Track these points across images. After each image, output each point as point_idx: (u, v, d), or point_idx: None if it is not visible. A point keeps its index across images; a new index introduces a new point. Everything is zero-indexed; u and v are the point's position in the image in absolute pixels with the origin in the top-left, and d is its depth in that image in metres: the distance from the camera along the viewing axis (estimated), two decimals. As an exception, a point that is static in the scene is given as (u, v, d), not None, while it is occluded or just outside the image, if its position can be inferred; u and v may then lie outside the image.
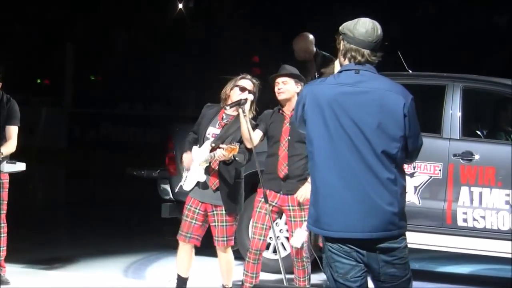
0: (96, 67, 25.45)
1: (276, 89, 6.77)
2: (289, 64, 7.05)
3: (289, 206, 6.71)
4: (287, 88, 6.73)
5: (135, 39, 24.55)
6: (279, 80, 6.75)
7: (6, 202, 7.44)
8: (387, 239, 4.23)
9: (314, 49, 10.10)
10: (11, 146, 7.37)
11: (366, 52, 4.34)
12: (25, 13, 23.49)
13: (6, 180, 7.42)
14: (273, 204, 6.69)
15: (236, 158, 6.58)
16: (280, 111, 6.82)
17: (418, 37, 17.80)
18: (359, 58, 4.33)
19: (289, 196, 6.69)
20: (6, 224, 7.47)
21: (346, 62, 4.38)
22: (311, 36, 10.13)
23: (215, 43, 22.14)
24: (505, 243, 7.61)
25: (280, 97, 6.76)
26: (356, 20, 4.42)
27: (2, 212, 7.42)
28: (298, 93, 6.68)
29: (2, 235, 7.44)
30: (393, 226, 4.24)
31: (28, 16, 23.62)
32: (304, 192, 6.53)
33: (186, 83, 22.54)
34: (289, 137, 6.70)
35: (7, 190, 7.44)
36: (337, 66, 4.57)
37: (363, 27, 4.36)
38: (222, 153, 6.47)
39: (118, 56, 24.65)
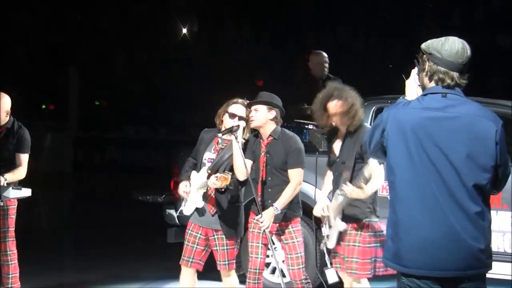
0: (100, 90, 25.47)
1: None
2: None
3: (278, 231, 6.75)
4: (257, 115, 6.70)
5: (139, 63, 24.60)
6: (252, 108, 6.73)
7: (13, 229, 7.46)
8: (472, 278, 3.98)
9: (327, 67, 10.18)
10: (19, 173, 7.41)
11: (456, 74, 4.03)
12: (28, 37, 23.52)
13: (12, 207, 7.43)
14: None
15: (230, 187, 6.58)
16: (259, 138, 6.82)
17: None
18: (448, 81, 4.03)
19: (277, 224, 6.69)
20: (14, 252, 7.46)
21: (432, 84, 4.07)
22: (325, 54, 10.21)
23: (220, 67, 22.17)
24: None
25: (251, 125, 6.74)
26: (443, 39, 4.09)
27: (8, 239, 7.43)
28: (271, 119, 6.71)
29: (10, 263, 7.44)
30: (480, 263, 3.98)
31: (30, 39, 23.66)
32: (266, 217, 6.50)
33: (191, 106, 22.56)
34: (267, 166, 6.70)
35: (13, 216, 7.46)
36: (411, 87, 4.26)
37: (453, 48, 4.03)
38: (214, 182, 6.49)
39: (122, 80, 24.68)
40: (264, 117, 6.70)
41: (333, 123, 6.47)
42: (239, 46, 22.48)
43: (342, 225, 6.25)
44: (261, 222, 6.50)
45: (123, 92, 24.56)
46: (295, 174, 6.61)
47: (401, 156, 3.97)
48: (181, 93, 22.68)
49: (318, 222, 6.84)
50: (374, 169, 6.06)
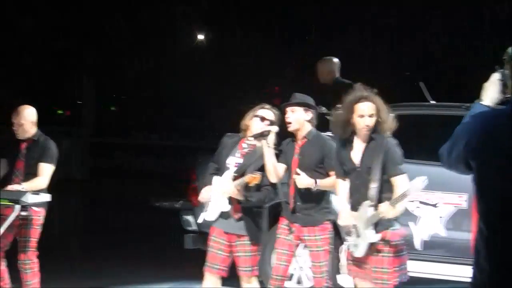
0: (112, 97, 25.56)
1: (285, 118, 6.75)
2: (307, 92, 7.02)
3: (305, 236, 6.70)
4: (295, 117, 6.71)
5: (151, 70, 24.67)
6: (288, 109, 6.73)
7: (35, 239, 7.42)
8: None
9: (337, 74, 10.09)
10: (37, 182, 7.38)
11: None
12: (39, 43, 23.62)
13: (37, 217, 7.40)
14: (293, 232, 6.68)
15: (250, 199, 6.58)
16: (293, 141, 6.81)
17: (439, 67, 17.81)
18: None
19: (305, 227, 6.67)
20: (34, 261, 7.42)
21: None
22: (336, 60, 10.13)
23: (231, 73, 22.21)
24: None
25: (288, 127, 6.74)
26: None
27: (29, 249, 7.39)
28: (308, 121, 6.70)
29: (29, 271, 7.40)
30: None
31: (42, 46, 23.76)
32: (300, 180, 6.54)
33: (203, 113, 22.61)
34: (298, 168, 6.66)
35: (37, 227, 7.43)
36: (490, 92, 3.80)
37: None
38: (245, 181, 6.47)
39: (134, 87, 24.76)
40: (301, 118, 6.71)
41: (355, 129, 6.34)
42: (249, 53, 22.49)
43: (376, 237, 6.12)
44: (299, 176, 6.53)
45: (135, 99, 24.63)
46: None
47: (495, 175, 3.30)
48: (193, 99, 22.72)
49: (335, 229, 6.80)
50: (400, 184, 6.03)
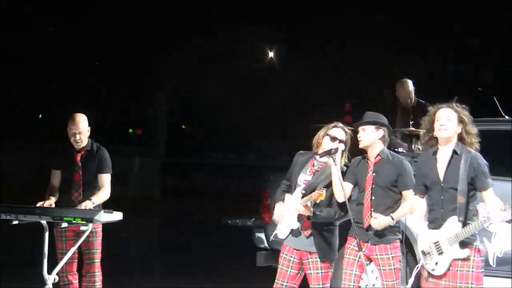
0: (188, 116, 25.75)
1: (358, 137, 6.74)
2: (378, 111, 7.01)
3: (377, 255, 6.65)
4: (366, 135, 6.68)
5: (225, 89, 24.82)
6: (360, 128, 6.73)
7: (99, 250, 7.50)
8: None
9: (413, 94, 10.18)
10: (103, 194, 7.44)
11: None
12: (113, 63, 23.96)
13: (99, 229, 7.46)
14: (364, 251, 6.62)
15: (317, 213, 6.58)
16: (365, 159, 6.78)
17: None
18: None
19: (377, 246, 6.63)
20: (100, 273, 7.50)
21: None
22: (410, 82, 10.20)
23: (306, 91, 22.21)
24: None
25: (360, 145, 6.72)
26: None
27: (96, 261, 7.47)
28: (380, 139, 6.68)
29: (97, 284, 7.48)
30: None
31: (116, 65, 24.11)
32: (379, 222, 6.50)
33: (277, 132, 22.65)
34: (373, 186, 6.64)
35: (100, 238, 7.50)
36: None
37: None
38: (312, 198, 6.48)
39: (209, 106, 24.91)
40: (372, 136, 6.69)
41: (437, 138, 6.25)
42: (324, 72, 22.47)
43: (464, 253, 6.03)
44: (375, 219, 6.50)
45: (210, 119, 24.78)
46: (410, 195, 6.54)
47: None
48: (266, 119, 22.78)
49: (408, 245, 6.73)
50: (490, 198, 6.00)
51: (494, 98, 8.86)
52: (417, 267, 6.37)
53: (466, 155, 6.09)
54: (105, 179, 7.50)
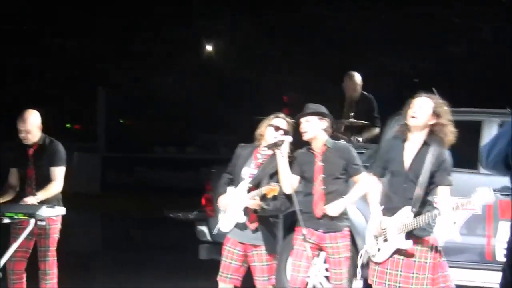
0: (128, 111, 25.59)
1: (300, 128, 6.77)
2: (318, 102, 7.04)
3: (327, 243, 6.70)
4: (310, 126, 6.73)
5: (166, 83, 24.72)
6: (303, 119, 6.76)
7: (53, 248, 7.43)
8: None
9: (359, 88, 10.30)
10: (52, 188, 7.37)
11: None
12: (54, 58, 23.68)
13: (54, 226, 7.41)
14: (312, 241, 6.67)
15: (264, 206, 6.58)
16: (310, 150, 6.81)
17: (453, 73, 17.78)
18: None
19: (328, 234, 6.68)
20: (54, 272, 7.43)
21: None
22: (358, 75, 10.30)
23: (246, 84, 22.23)
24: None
25: (304, 137, 6.76)
26: None
27: (48, 258, 7.40)
28: (324, 129, 6.73)
29: (49, 282, 7.41)
30: None
31: (60, 60, 23.82)
32: (335, 207, 6.55)
33: (217, 125, 22.63)
34: (323, 175, 6.69)
35: (55, 236, 7.43)
36: None
37: None
38: (263, 192, 6.49)
39: (150, 100, 24.79)
40: (316, 127, 6.73)
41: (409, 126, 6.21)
42: (265, 65, 22.51)
43: (408, 244, 6.07)
44: (330, 206, 6.55)
45: (151, 113, 24.67)
46: (361, 178, 6.63)
47: None
48: (206, 112, 22.75)
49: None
50: (446, 195, 6.06)
51: (433, 88, 8.96)
52: (361, 255, 6.41)
53: (434, 148, 6.09)
54: (56, 172, 7.43)
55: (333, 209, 6.59)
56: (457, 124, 7.87)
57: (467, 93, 15.56)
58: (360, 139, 9.63)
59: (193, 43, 23.54)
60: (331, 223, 6.67)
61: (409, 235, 6.07)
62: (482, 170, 7.78)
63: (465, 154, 7.87)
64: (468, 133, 8.27)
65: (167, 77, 24.66)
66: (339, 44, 20.30)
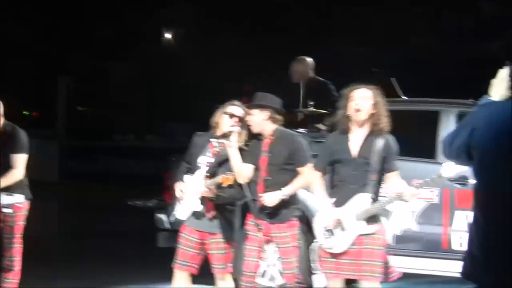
0: (88, 99, 25.44)
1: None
2: (280, 89, 7.05)
3: (274, 233, 6.72)
4: (253, 119, 6.73)
5: (127, 71, 24.61)
6: (250, 112, 6.77)
7: (18, 235, 7.36)
8: None
9: (311, 73, 10.19)
10: (12, 175, 7.26)
11: None
12: (17, 45, 23.46)
13: (20, 213, 7.35)
14: (261, 228, 6.70)
15: (220, 194, 6.60)
16: (259, 139, 6.81)
17: (413, 64, 17.91)
18: None
19: (274, 224, 6.69)
20: (18, 259, 7.36)
21: None
22: (309, 60, 10.23)
23: (207, 72, 22.20)
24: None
25: (252, 130, 6.78)
26: None
27: (14, 245, 7.33)
28: (267, 120, 6.71)
29: (13, 268, 7.33)
30: None
31: (19, 48, 23.59)
32: (270, 197, 6.53)
33: (178, 113, 22.57)
34: (268, 166, 6.69)
35: (20, 223, 7.36)
36: (499, 87, 3.82)
37: None
38: (218, 181, 6.50)
39: (111, 88, 24.68)
40: (258, 118, 6.72)
41: (351, 118, 6.28)
42: (227, 55, 22.49)
43: (370, 229, 6.12)
44: (266, 196, 6.53)
45: (111, 100, 24.55)
46: (305, 170, 6.61)
47: (494, 162, 3.40)
48: (167, 101, 22.68)
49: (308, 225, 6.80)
50: (395, 180, 6.13)
51: (393, 78, 9.03)
52: (312, 249, 6.43)
53: (380, 136, 6.21)
54: (17, 159, 7.31)
55: (268, 199, 6.58)
56: (415, 114, 7.95)
57: (426, 83, 15.67)
58: (324, 127, 9.53)
59: (153, 31, 23.44)
60: (275, 214, 6.67)
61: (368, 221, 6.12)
62: (439, 159, 7.84)
63: (423, 144, 7.95)
64: (426, 123, 8.36)
65: (127, 65, 24.54)
66: (299, 32, 20.34)
